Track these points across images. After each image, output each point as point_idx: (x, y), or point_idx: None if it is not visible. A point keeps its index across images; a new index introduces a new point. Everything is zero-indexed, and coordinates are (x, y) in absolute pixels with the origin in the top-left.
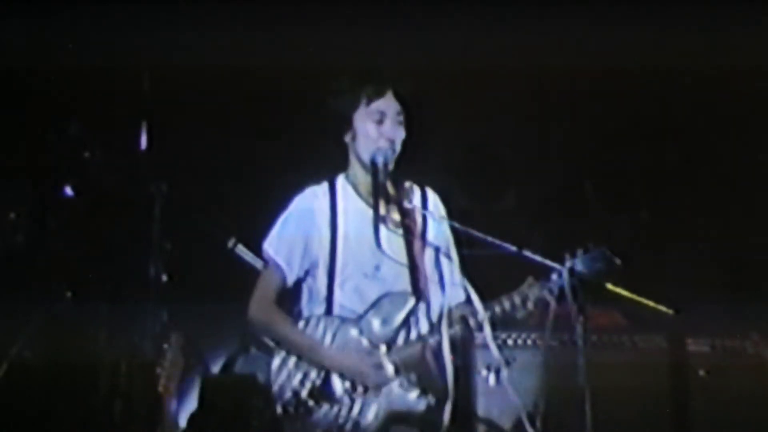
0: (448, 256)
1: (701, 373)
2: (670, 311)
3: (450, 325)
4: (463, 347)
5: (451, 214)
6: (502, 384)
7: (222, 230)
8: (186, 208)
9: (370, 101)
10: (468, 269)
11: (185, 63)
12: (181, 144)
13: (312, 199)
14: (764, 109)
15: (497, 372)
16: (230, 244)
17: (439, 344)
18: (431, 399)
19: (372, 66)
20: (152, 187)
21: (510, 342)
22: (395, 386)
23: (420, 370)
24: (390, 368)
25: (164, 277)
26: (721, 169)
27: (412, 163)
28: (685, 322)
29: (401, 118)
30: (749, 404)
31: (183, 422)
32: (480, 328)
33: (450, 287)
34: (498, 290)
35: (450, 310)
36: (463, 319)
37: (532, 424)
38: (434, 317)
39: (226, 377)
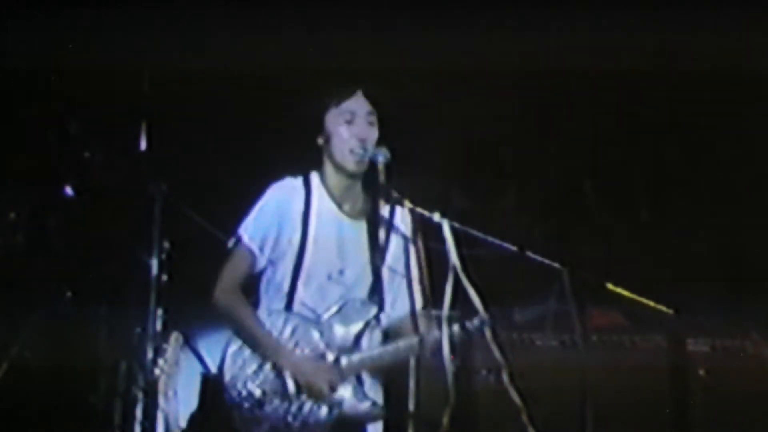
0: (411, 265)
1: (701, 373)
2: (670, 311)
3: (425, 329)
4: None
5: (449, 214)
6: (502, 385)
7: (222, 230)
8: (186, 209)
9: (339, 102)
10: (468, 269)
11: (185, 64)
12: (181, 144)
13: (290, 189)
14: (764, 110)
15: (497, 373)
16: (230, 244)
17: (395, 354)
18: (382, 411)
19: (341, 67)
20: (152, 187)
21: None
22: (348, 394)
23: (374, 380)
24: (341, 388)
25: (164, 277)
26: (721, 168)
27: (412, 162)
28: (685, 322)
29: (372, 118)
30: (749, 404)
31: (183, 422)
32: (480, 331)
33: (409, 297)
34: (498, 290)
35: (444, 315)
36: (461, 325)
37: (533, 424)
38: (393, 327)
39: None
